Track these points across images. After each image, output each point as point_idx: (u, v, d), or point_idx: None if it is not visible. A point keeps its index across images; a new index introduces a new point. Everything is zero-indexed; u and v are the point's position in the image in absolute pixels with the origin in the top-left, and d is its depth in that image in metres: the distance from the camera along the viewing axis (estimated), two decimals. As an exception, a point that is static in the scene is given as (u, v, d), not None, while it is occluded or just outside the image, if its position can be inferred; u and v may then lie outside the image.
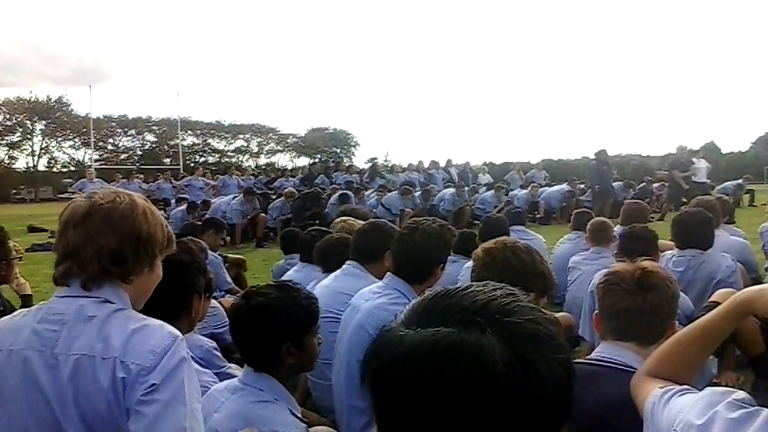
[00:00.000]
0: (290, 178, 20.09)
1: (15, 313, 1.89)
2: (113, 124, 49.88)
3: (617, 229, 5.98)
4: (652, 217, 14.51)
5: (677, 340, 1.79)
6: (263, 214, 14.43)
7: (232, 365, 3.26)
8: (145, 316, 1.77)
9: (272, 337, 2.25)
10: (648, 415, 1.62)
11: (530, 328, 0.82)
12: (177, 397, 1.65)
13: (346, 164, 26.96)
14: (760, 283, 5.02)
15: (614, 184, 17.80)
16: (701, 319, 1.76)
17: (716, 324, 1.71)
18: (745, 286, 3.84)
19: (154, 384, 1.63)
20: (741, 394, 1.40)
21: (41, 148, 48.87)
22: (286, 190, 15.83)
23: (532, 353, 0.79)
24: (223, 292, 6.09)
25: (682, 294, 3.66)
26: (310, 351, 2.36)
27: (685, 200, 14.17)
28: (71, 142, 49.43)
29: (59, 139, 49.29)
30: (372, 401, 0.84)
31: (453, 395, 0.76)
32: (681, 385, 1.63)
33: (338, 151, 57.30)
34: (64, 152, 50.25)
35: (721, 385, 1.94)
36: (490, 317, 0.81)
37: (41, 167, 48.87)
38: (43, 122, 48.00)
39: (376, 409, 0.84)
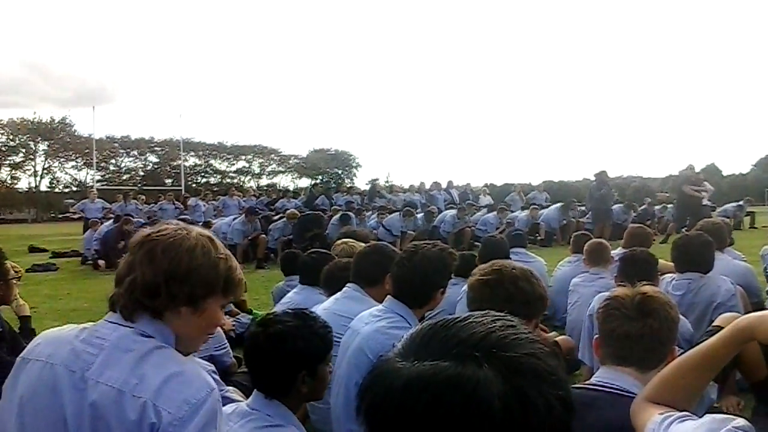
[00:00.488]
0: (292, 199, 20.10)
1: (65, 326, 1.87)
2: (116, 144, 50.01)
3: (618, 251, 5.99)
4: (654, 239, 14.52)
5: (678, 365, 1.79)
6: (264, 235, 14.44)
7: (230, 388, 3.25)
8: (184, 359, 1.75)
9: (289, 364, 2.27)
10: (648, 441, 1.61)
11: (529, 363, 0.81)
12: None
13: (348, 185, 26.95)
14: (763, 307, 5.01)
15: (615, 206, 17.79)
16: (702, 344, 1.75)
17: (717, 350, 1.70)
18: (746, 310, 3.84)
19: None
20: (740, 422, 1.40)
21: (43, 169, 48.98)
22: (288, 211, 15.84)
23: (529, 388, 0.78)
24: (222, 314, 6.06)
25: (682, 317, 3.65)
26: (323, 379, 2.40)
27: (687, 224, 14.14)
28: (74, 163, 49.54)
29: (62, 159, 49.38)
30: None
31: (449, 430, 0.75)
32: (681, 411, 1.62)
33: (340, 172, 57.46)
34: (66, 173, 50.35)
35: (722, 410, 1.93)
36: (488, 351, 0.80)
37: (43, 188, 48.95)
38: (46, 143, 48.10)
39: None
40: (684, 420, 1.54)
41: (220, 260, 1.82)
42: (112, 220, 15.11)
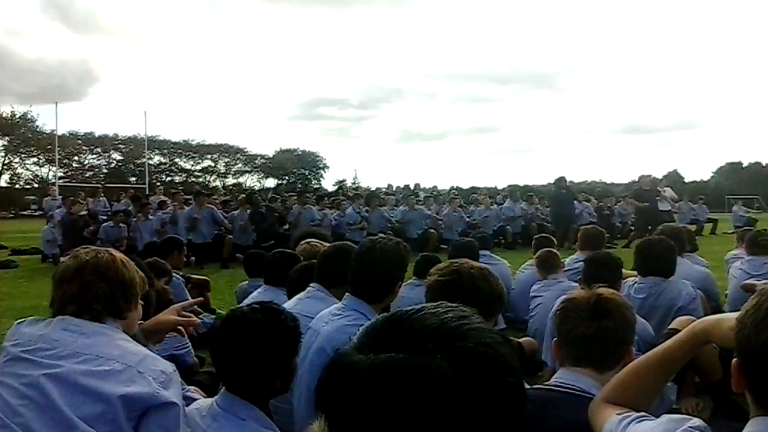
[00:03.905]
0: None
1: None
2: (79, 141, 49.31)
3: (577, 255, 6.10)
4: (616, 244, 14.73)
5: (635, 367, 1.81)
6: (230, 236, 14.19)
7: (192, 388, 3.21)
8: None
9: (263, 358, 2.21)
10: (605, 441, 1.62)
11: (481, 352, 0.81)
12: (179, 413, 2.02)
13: (314, 186, 26.87)
14: (720, 311, 5.10)
15: (582, 204, 18.04)
16: (659, 346, 1.78)
17: (674, 352, 1.73)
18: (705, 314, 3.91)
19: (170, 401, 1.97)
20: (696, 422, 1.42)
21: (3, 165, 47.98)
22: (240, 196, 16.22)
23: (481, 377, 0.79)
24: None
25: (642, 320, 3.69)
26: (293, 373, 2.36)
27: (650, 227, 14.36)
28: (35, 159, 48.61)
29: (23, 155, 48.43)
30: (326, 427, 0.83)
31: (404, 421, 0.76)
32: (638, 411, 1.64)
33: (306, 173, 57.31)
34: (27, 169, 49.39)
35: (681, 412, 1.96)
36: (441, 341, 0.81)
37: (3, 183, 47.92)
38: (6, 138, 47.13)
39: None
40: (641, 420, 1.56)
41: (135, 265, 2.33)
42: (62, 207, 14.77)
